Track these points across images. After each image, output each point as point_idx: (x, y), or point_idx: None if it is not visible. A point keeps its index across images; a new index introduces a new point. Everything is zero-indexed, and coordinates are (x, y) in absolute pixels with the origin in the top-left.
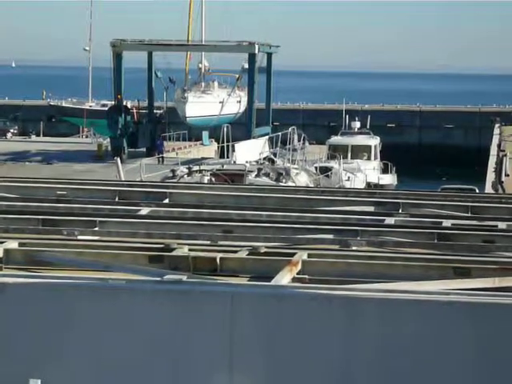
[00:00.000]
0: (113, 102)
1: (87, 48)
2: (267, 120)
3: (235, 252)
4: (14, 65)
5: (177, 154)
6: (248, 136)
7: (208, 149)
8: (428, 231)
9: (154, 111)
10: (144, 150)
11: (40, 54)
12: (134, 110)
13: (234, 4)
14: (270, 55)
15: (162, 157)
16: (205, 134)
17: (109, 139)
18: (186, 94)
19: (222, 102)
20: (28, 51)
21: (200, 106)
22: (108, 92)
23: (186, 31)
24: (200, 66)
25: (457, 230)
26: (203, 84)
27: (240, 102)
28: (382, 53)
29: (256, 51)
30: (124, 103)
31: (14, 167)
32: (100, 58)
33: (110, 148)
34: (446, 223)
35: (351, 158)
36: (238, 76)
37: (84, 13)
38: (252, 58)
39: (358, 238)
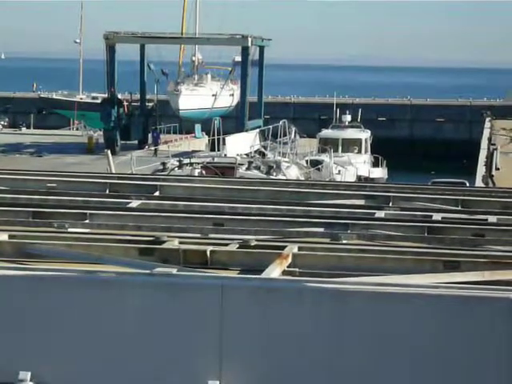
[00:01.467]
0: (103, 95)
1: (78, 40)
2: (259, 113)
3: (226, 245)
4: (3, 56)
5: (169, 146)
6: (241, 129)
7: (199, 142)
8: (418, 225)
9: (146, 104)
10: (136, 142)
11: (30, 46)
12: (125, 103)
13: None
14: (262, 48)
15: (156, 149)
16: (197, 126)
17: (99, 131)
18: (179, 87)
19: (214, 95)
20: (17, 44)
21: (193, 99)
22: (99, 85)
23: (180, 24)
24: (193, 58)
25: (447, 224)
26: (196, 77)
27: (233, 95)
28: (375, 47)
29: (249, 44)
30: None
31: (5, 159)
32: (91, 50)
33: (101, 140)
34: (437, 217)
35: (342, 152)
36: (231, 69)
37: (75, 5)
38: (245, 51)
39: (349, 232)
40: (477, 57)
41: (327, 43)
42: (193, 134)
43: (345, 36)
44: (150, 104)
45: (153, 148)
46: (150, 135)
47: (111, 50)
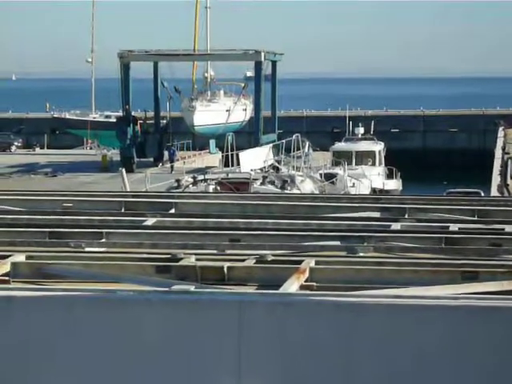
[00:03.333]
0: (116, 114)
1: (89, 59)
2: (273, 127)
3: (242, 261)
4: (14, 78)
5: (184, 163)
6: (256, 144)
7: (212, 158)
8: (435, 236)
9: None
10: (152, 159)
11: (40, 66)
12: (139, 121)
13: (239, 9)
14: (274, 63)
15: (172, 166)
16: (212, 142)
17: (113, 150)
18: (193, 103)
19: (228, 111)
20: (28, 65)
21: (207, 115)
22: (111, 103)
23: (192, 40)
24: (206, 75)
25: (464, 234)
26: (209, 93)
27: (246, 110)
28: (382, 58)
29: (262, 59)
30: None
31: (20, 180)
32: (102, 69)
33: (115, 158)
34: (453, 227)
35: (356, 164)
36: (243, 84)
37: (86, 24)
38: (258, 66)
39: (365, 244)
40: (475, 65)
41: (332, 56)
42: (206, 150)
43: (348, 47)
44: (163, 121)
45: (168, 165)
46: (165, 152)
47: (125, 69)
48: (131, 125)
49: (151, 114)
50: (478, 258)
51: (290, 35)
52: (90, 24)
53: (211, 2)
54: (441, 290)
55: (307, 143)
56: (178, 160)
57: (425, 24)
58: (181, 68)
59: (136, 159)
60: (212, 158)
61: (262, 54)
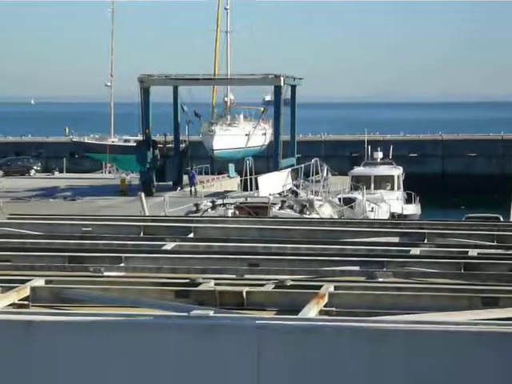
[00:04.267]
0: (134, 138)
1: (109, 84)
2: (292, 151)
3: (261, 285)
4: (33, 102)
5: (203, 187)
6: (275, 168)
7: (231, 182)
8: (454, 261)
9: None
10: (171, 183)
11: (59, 91)
12: (158, 145)
13: (259, 33)
14: (294, 87)
15: (195, 189)
16: (231, 166)
17: (132, 174)
18: (212, 127)
19: (247, 135)
20: (47, 89)
21: (227, 139)
22: (130, 127)
23: (212, 64)
24: (226, 99)
25: (483, 260)
26: (229, 117)
27: (265, 134)
28: (401, 83)
29: (282, 84)
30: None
31: (39, 204)
32: (120, 93)
33: (134, 182)
34: (472, 253)
35: (374, 189)
36: (263, 109)
37: (105, 49)
38: (278, 91)
39: (384, 270)
40: (482, 89)
41: (350, 81)
42: (225, 174)
43: (363, 72)
44: (182, 145)
45: (187, 189)
46: (186, 176)
47: (145, 93)
48: (151, 149)
49: (170, 137)
50: (497, 283)
51: (308, 60)
52: (109, 48)
53: (232, 26)
54: (460, 316)
55: (326, 167)
56: (197, 184)
57: (447, 48)
58: (200, 92)
59: (155, 183)
60: (230, 182)
61: (282, 78)
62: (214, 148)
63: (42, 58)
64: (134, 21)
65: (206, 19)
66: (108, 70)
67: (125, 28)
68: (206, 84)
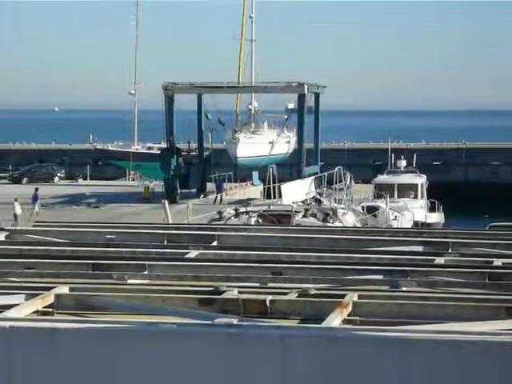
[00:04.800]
0: (158, 145)
1: (132, 91)
2: (315, 159)
3: (285, 294)
4: (56, 109)
5: (226, 194)
6: (299, 176)
7: (254, 189)
8: (479, 271)
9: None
10: (195, 190)
11: (83, 98)
12: (182, 152)
13: (283, 40)
14: (317, 95)
15: (221, 197)
16: (255, 174)
17: (155, 181)
18: (236, 135)
19: (271, 143)
20: (70, 96)
21: (251, 147)
22: (154, 134)
23: (235, 72)
24: (250, 107)
25: (508, 269)
26: (253, 125)
27: (289, 142)
28: (428, 90)
29: (305, 92)
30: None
31: (62, 211)
32: (145, 100)
33: (157, 190)
34: (497, 262)
35: (398, 197)
36: (287, 117)
37: (129, 56)
38: (301, 99)
39: (408, 279)
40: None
41: (368, 89)
42: (248, 182)
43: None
44: (206, 153)
45: (211, 196)
46: (212, 183)
47: (170, 101)
48: (175, 156)
49: (194, 145)
50: None
51: (332, 67)
52: (133, 56)
53: (256, 34)
54: (484, 326)
55: (349, 176)
56: (225, 191)
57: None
58: (224, 100)
59: (179, 190)
60: (254, 190)
61: (306, 86)
62: (238, 156)
63: (66, 65)
64: (157, 29)
65: (231, 27)
66: (132, 78)
67: (149, 36)
68: (230, 92)
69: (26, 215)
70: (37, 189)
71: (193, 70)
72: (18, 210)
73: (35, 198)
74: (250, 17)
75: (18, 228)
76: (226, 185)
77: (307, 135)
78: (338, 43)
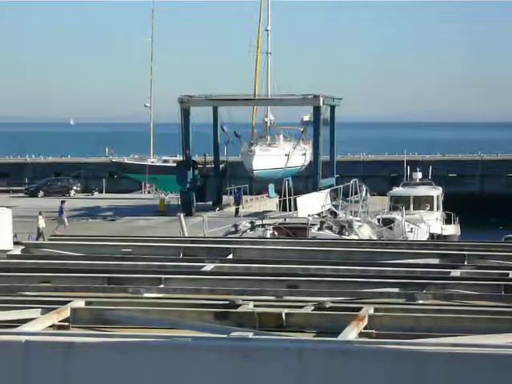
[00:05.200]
0: (174, 158)
1: (148, 104)
2: (331, 172)
3: (301, 307)
4: (72, 122)
5: (243, 207)
6: (315, 188)
7: (270, 202)
8: (495, 283)
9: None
10: (211, 203)
11: (97, 111)
12: (198, 165)
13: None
14: (333, 108)
15: (237, 209)
16: (271, 186)
17: (171, 194)
18: (252, 147)
19: (287, 155)
20: (86, 109)
21: (266, 159)
22: (169, 147)
23: (252, 85)
24: (266, 119)
25: None
26: (269, 137)
27: (305, 154)
28: (441, 102)
29: (321, 104)
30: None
31: (78, 224)
32: (159, 113)
33: (172, 202)
34: None
35: (413, 209)
36: (302, 129)
37: (145, 69)
38: (317, 111)
39: (424, 291)
40: None
41: (382, 101)
42: (264, 194)
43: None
44: (221, 165)
45: (226, 209)
46: (230, 196)
47: (186, 113)
48: (191, 169)
49: (210, 157)
50: None
51: (347, 79)
52: (149, 69)
53: (272, 47)
54: (501, 339)
55: (364, 188)
56: (243, 203)
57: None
58: (240, 112)
59: (195, 203)
60: (269, 203)
61: (321, 98)
62: (254, 168)
63: (82, 78)
64: (173, 41)
65: (247, 40)
66: (147, 91)
67: (164, 48)
68: (246, 105)
69: (49, 229)
70: (63, 202)
71: (208, 82)
72: (42, 223)
73: (61, 211)
74: (266, 30)
75: (33, 242)
76: (247, 197)
77: (323, 147)
78: (354, 55)
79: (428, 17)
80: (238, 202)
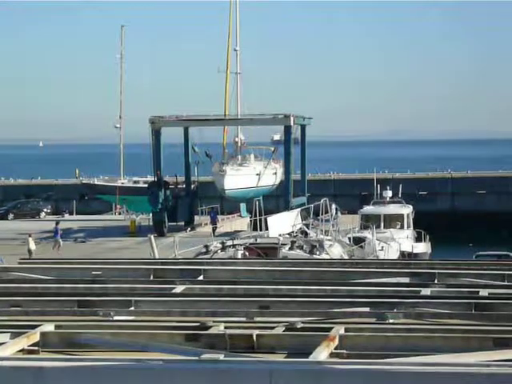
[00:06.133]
0: (144, 179)
1: (118, 125)
2: (302, 190)
3: (272, 328)
4: (41, 144)
5: (219, 226)
6: (286, 207)
7: (240, 222)
8: (465, 301)
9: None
10: (182, 223)
11: (66, 132)
12: (169, 186)
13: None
14: (303, 127)
15: (214, 228)
16: (242, 206)
17: (141, 215)
18: (224, 167)
19: (258, 174)
20: (54, 131)
21: (238, 179)
22: (140, 168)
23: (221, 105)
24: (236, 139)
25: (494, 300)
26: (240, 157)
27: (276, 173)
28: (411, 120)
29: (291, 123)
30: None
31: (49, 246)
32: (130, 133)
33: (143, 223)
34: (483, 292)
35: (384, 228)
36: (273, 148)
37: (114, 90)
38: (287, 130)
39: (395, 311)
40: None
41: (359, 119)
42: (235, 214)
43: (370, 111)
44: (192, 185)
45: (198, 229)
46: (202, 216)
47: (156, 134)
48: (163, 189)
49: (181, 178)
50: (509, 323)
51: (316, 99)
52: (118, 90)
53: (241, 68)
54: (472, 357)
55: (334, 207)
56: (206, 224)
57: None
58: (210, 132)
59: (167, 223)
60: (240, 222)
61: (292, 118)
62: (226, 188)
63: (49, 100)
64: (143, 61)
65: (216, 60)
66: (117, 112)
67: (134, 70)
68: (216, 125)
69: (39, 250)
70: (57, 223)
71: (177, 102)
72: (32, 245)
73: (56, 231)
74: (235, 50)
75: (2, 266)
76: (218, 217)
77: (293, 166)
78: (327, 73)
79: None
80: (213, 221)
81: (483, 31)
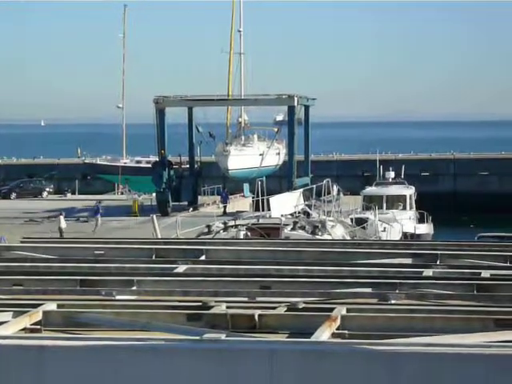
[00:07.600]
0: (147, 158)
1: (120, 105)
2: (305, 171)
3: (273, 308)
4: (43, 123)
5: (218, 207)
6: (289, 187)
7: (243, 202)
8: (467, 282)
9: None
10: (186, 203)
11: (69, 112)
12: (173, 165)
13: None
14: (307, 107)
15: (225, 207)
16: (246, 186)
17: (144, 195)
18: (227, 148)
19: (262, 155)
20: (56, 110)
21: (241, 159)
22: (142, 148)
23: (225, 85)
24: (240, 120)
25: (496, 281)
26: (243, 137)
27: (279, 154)
28: (415, 102)
29: (295, 104)
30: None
31: (51, 225)
32: (133, 113)
33: (146, 203)
34: (485, 274)
35: (386, 209)
36: (276, 129)
37: (117, 70)
38: (291, 111)
39: (397, 291)
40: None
41: (363, 100)
42: (238, 194)
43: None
44: (196, 166)
45: (201, 209)
46: (210, 196)
47: (161, 114)
48: (167, 169)
49: (185, 158)
50: (511, 305)
51: (319, 80)
52: (121, 69)
53: (245, 48)
54: (474, 338)
55: (337, 187)
56: (208, 204)
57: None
58: (214, 113)
59: (171, 203)
60: (243, 203)
61: (296, 98)
62: (229, 168)
63: (54, 80)
64: (147, 41)
65: (220, 40)
66: (120, 91)
67: (136, 48)
68: (220, 105)
69: (70, 228)
70: (99, 201)
71: (182, 82)
72: (63, 223)
73: (97, 210)
74: (239, 31)
75: (4, 245)
76: (215, 197)
77: (297, 147)
78: (332, 55)
79: (411, 18)
80: (224, 200)
81: (487, 11)
